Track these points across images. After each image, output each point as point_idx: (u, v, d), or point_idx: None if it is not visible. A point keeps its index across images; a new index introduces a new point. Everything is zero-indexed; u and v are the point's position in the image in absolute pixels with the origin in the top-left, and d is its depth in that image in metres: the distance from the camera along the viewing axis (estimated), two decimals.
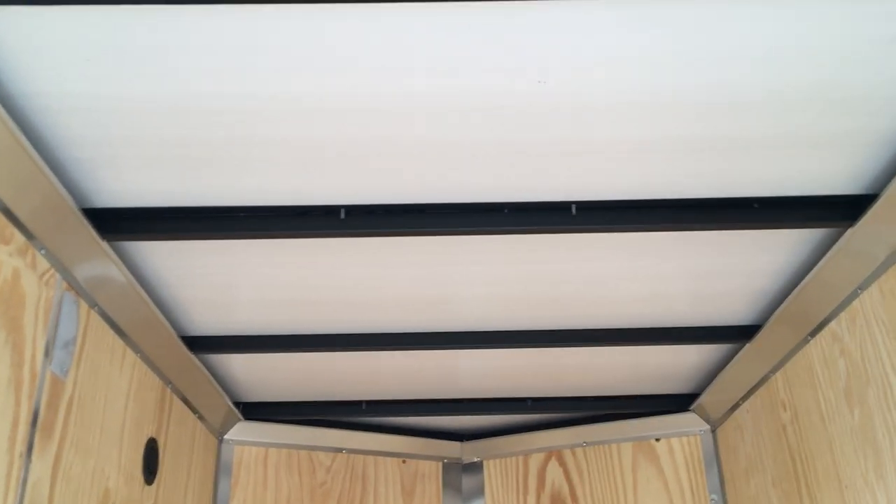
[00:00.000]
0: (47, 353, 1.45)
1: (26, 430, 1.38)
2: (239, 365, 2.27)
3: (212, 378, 2.22)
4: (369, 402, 2.58)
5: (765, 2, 1.07)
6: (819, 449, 1.87)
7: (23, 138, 1.21)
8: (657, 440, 2.60)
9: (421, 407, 2.60)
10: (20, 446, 1.36)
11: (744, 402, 2.31)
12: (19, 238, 1.34)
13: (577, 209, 1.49)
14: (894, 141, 1.35)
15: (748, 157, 1.39)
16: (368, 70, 1.17)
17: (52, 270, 1.46)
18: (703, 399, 2.46)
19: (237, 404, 2.52)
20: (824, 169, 1.42)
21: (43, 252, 1.41)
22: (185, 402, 2.20)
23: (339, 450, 2.70)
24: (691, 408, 2.55)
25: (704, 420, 2.55)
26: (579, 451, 2.70)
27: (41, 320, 1.43)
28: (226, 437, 2.53)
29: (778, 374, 2.08)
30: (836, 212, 1.50)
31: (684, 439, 2.57)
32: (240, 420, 2.55)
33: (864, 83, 1.22)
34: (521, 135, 1.31)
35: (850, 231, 1.52)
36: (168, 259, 1.66)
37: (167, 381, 2.06)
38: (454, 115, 1.26)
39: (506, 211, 1.50)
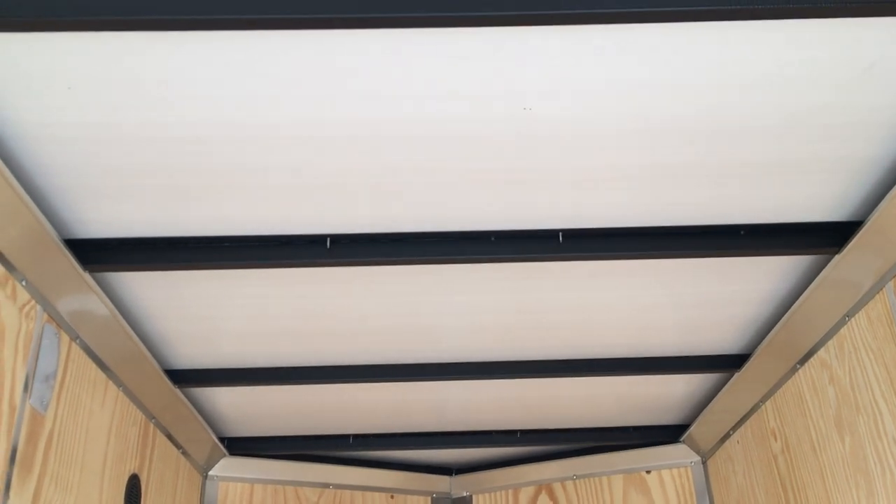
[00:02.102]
0: (27, 387, 1.42)
1: (4, 465, 1.34)
2: (224, 399, 2.23)
3: (196, 412, 2.19)
4: (357, 436, 2.55)
5: (751, 29, 1.07)
6: (811, 478, 1.85)
7: (2, 166, 1.20)
8: (648, 472, 2.57)
9: (409, 440, 2.56)
10: None
11: (734, 432, 2.29)
12: None
13: (563, 237, 1.49)
14: (878, 167, 1.36)
15: (734, 185, 1.39)
16: (353, 97, 1.16)
17: (33, 302, 1.43)
18: (694, 430, 2.44)
19: (222, 439, 2.48)
20: (810, 196, 1.43)
21: (23, 283, 1.39)
22: (169, 437, 2.16)
23: (327, 485, 2.65)
24: (682, 439, 2.53)
25: (695, 451, 2.53)
26: (570, 483, 2.67)
27: (21, 353, 1.40)
28: (210, 472, 2.49)
29: (767, 404, 2.07)
30: (823, 238, 1.50)
31: (675, 471, 2.55)
32: (225, 455, 2.50)
33: (848, 109, 1.22)
34: (508, 162, 1.31)
35: (836, 258, 1.52)
36: (151, 290, 1.64)
37: (150, 415, 2.02)
38: (440, 143, 1.26)
39: (493, 239, 1.49)
